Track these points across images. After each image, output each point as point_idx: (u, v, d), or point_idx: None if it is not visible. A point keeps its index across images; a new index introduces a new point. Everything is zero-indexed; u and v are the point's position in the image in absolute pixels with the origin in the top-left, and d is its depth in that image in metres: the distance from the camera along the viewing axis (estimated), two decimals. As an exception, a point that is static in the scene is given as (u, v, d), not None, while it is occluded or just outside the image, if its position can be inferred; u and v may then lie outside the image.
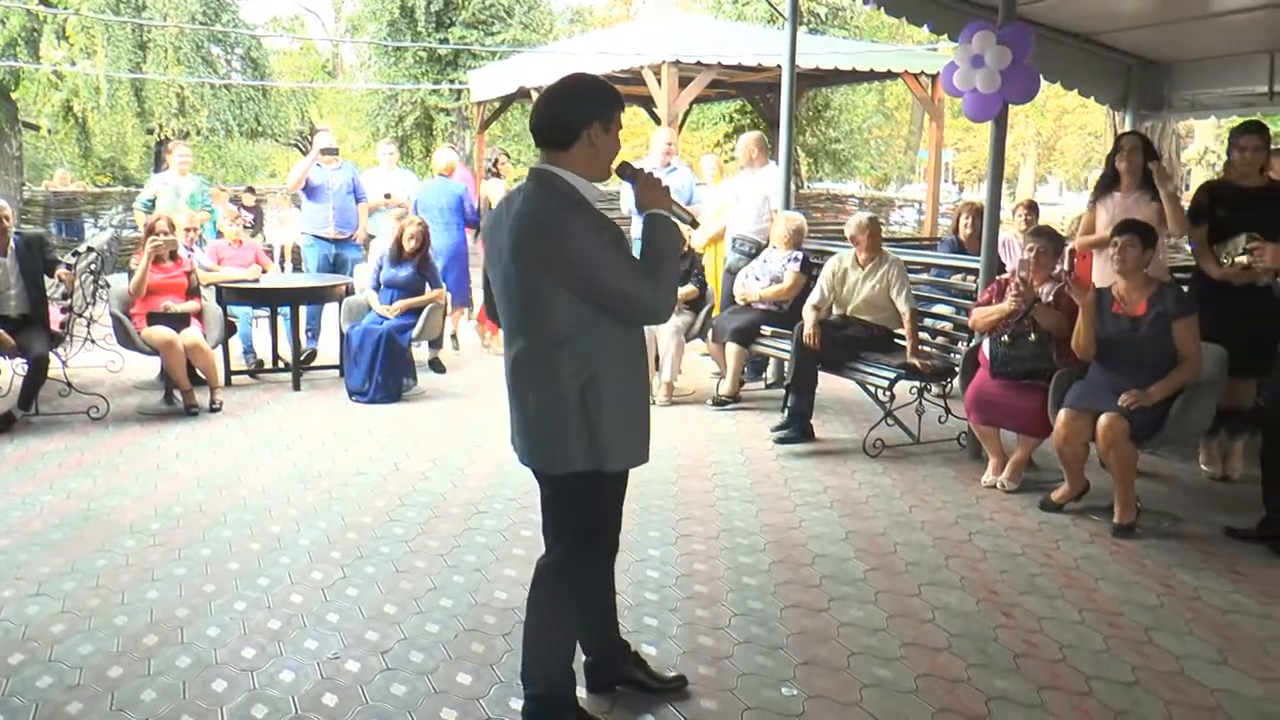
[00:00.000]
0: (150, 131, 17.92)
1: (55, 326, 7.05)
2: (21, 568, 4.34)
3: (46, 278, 6.95)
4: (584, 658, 3.30)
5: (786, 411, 6.48)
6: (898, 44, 20.47)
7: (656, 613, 3.97)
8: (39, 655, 3.57)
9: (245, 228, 10.00)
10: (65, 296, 7.30)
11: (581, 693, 3.25)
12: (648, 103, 15.11)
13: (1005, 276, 5.85)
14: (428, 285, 8.16)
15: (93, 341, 7.59)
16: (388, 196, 9.54)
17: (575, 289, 2.72)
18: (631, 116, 26.16)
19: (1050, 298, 5.52)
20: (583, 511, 3.02)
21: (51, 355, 6.84)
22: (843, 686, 3.39)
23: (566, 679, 3.08)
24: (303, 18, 25.32)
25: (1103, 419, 4.87)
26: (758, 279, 7.50)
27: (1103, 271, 5.66)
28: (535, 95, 13.46)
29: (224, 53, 19.40)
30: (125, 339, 7.13)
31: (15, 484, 5.51)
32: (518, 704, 3.24)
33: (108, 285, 7.90)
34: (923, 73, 12.24)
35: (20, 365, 6.78)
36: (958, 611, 4.01)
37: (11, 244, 6.74)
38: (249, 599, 4.07)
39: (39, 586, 4.15)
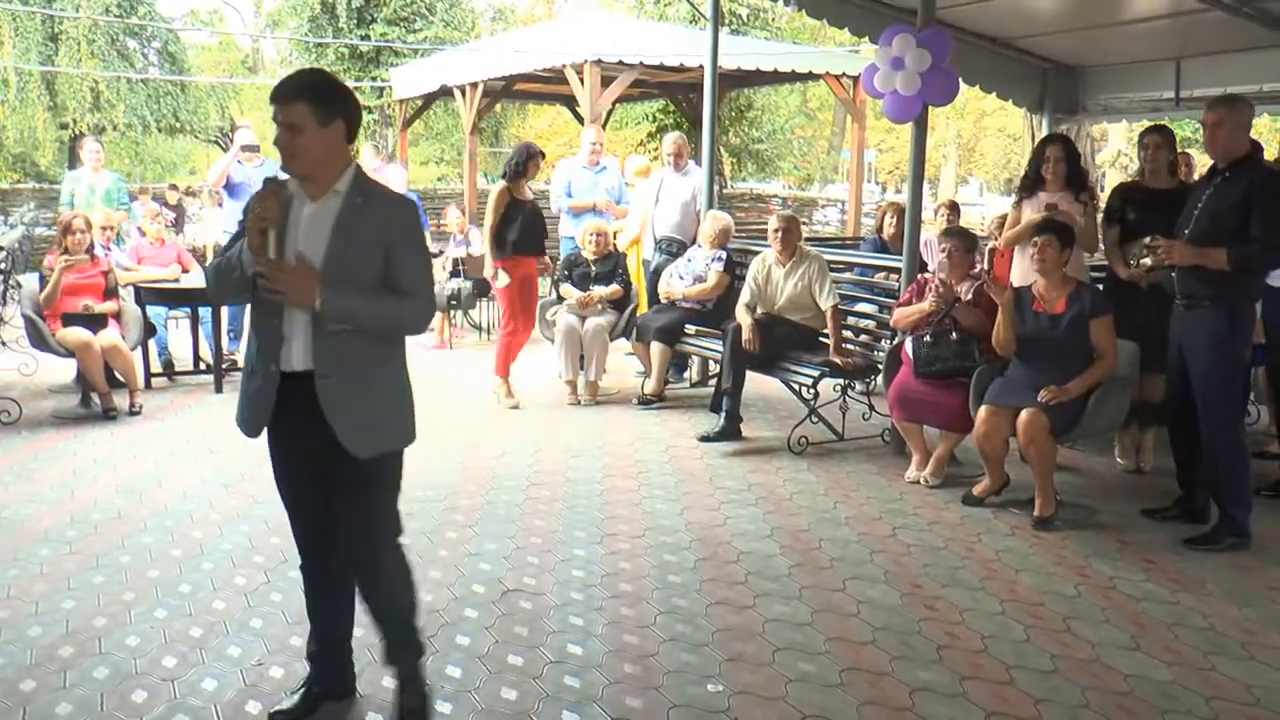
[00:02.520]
0: (64, 127, 17.43)
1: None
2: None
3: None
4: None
5: (724, 414, 6.47)
6: (819, 46, 20.70)
7: (582, 612, 3.95)
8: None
9: (167, 226, 9.78)
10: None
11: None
12: (570, 101, 15.09)
13: (926, 276, 5.95)
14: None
15: (3, 343, 7.37)
16: None
17: None
18: (555, 115, 26.16)
19: (970, 296, 5.63)
20: (385, 490, 3.19)
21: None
22: (769, 681, 3.42)
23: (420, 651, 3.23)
24: (221, 12, 24.80)
25: (1023, 414, 4.97)
26: (681, 278, 7.52)
27: (1023, 270, 5.78)
28: (457, 93, 13.45)
29: (140, 46, 18.94)
30: (39, 341, 6.91)
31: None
32: (444, 706, 3.24)
33: (19, 285, 7.67)
34: (844, 74, 12.38)
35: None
36: (882, 605, 4.06)
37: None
38: (170, 606, 3.97)
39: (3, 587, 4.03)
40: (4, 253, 7.53)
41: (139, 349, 7.43)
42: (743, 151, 21.34)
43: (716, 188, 8.50)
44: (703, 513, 5.17)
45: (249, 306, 2.93)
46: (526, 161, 7.27)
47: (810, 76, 12.94)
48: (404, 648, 3.16)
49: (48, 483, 5.45)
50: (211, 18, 23.64)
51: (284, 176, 2.90)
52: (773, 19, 21.32)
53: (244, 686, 3.35)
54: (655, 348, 7.37)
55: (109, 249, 7.81)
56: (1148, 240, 4.86)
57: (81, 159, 9.21)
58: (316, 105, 2.77)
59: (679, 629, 3.81)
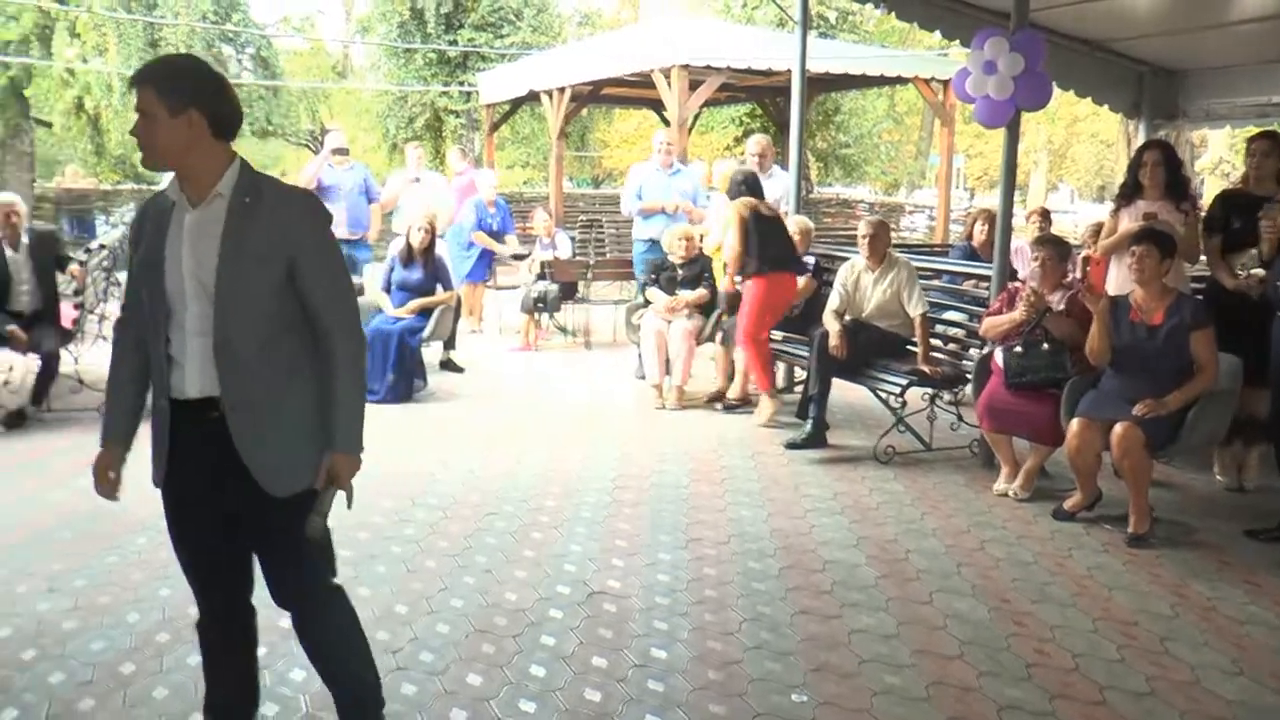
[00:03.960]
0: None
1: (67, 323, 7.05)
2: (33, 565, 4.35)
3: (59, 274, 6.97)
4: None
5: (810, 421, 6.41)
6: (908, 49, 20.45)
7: (666, 617, 3.95)
8: (51, 652, 3.58)
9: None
10: (77, 293, 7.30)
11: None
12: (657, 106, 15.11)
13: (1017, 285, 5.83)
14: (439, 287, 8.17)
15: (104, 338, 7.58)
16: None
17: None
18: (641, 119, 26.20)
19: (1062, 305, 5.50)
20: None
21: (63, 352, 6.85)
22: (853, 693, 3.38)
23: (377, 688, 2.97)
24: (313, 18, 25.31)
25: (1118, 428, 4.84)
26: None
27: (1120, 279, 5.64)
28: (544, 97, 13.54)
29: (235, 52, 19.44)
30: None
31: (27, 481, 5.52)
32: (528, 705, 3.24)
33: (119, 283, 7.90)
34: (934, 78, 12.21)
35: (33, 361, 6.80)
36: (969, 619, 3.99)
37: (24, 240, 6.76)
38: (260, 597, 4.04)
39: (50, 583, 4.16)
40: (106, 250, 7.75)
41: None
42: (829, 156, 21.17)
43: (802, 192, 8.42)
44: (788, 520, 5.13)
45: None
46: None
47: (899, 80, 12.78)
48: (362, 707, 2.91)
49: (146, 474, 5.57)
50: (303, 24, 24.07)
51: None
52: (861, 22, 21.14)
53: (398, 669, 3.44)
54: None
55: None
56: (1256, 250, 4.71)
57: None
58: (163, 92, 2.45)
59: (764, 637, 3.79)
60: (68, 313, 7.11)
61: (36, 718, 3.15)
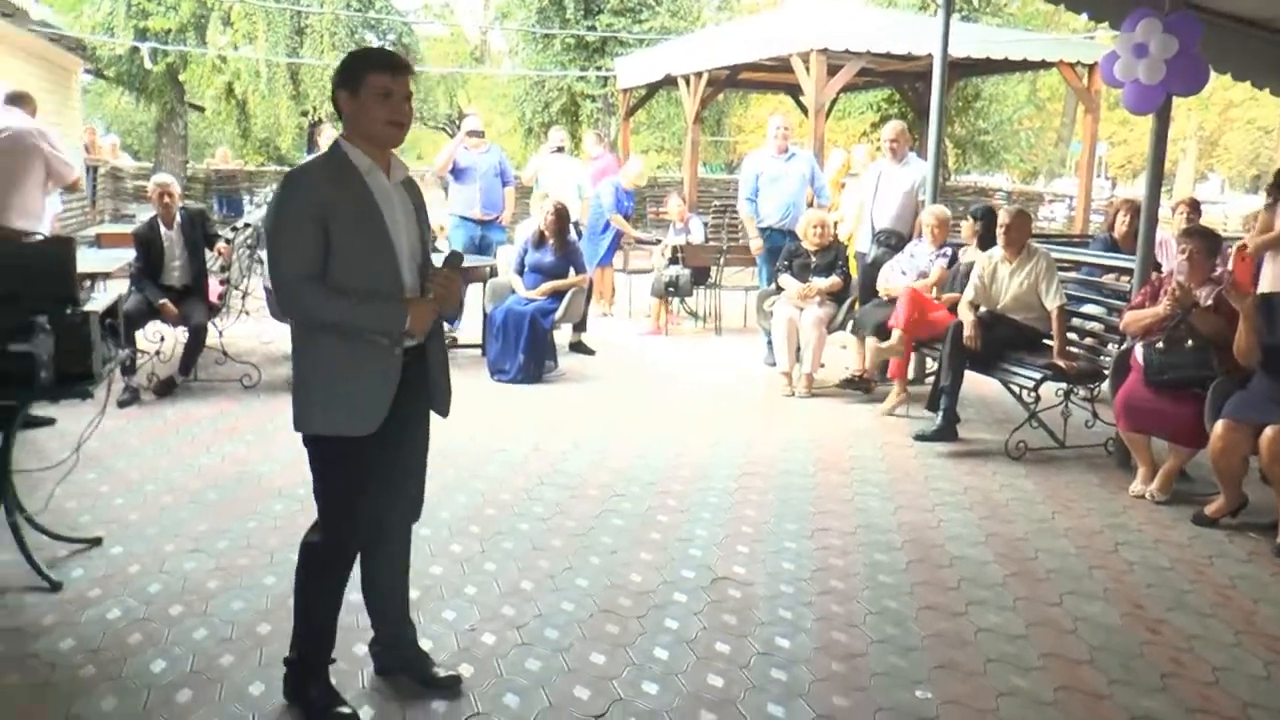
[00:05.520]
0: (304, 114, 18.59)
1: (214, 298, 7.40)
2: (181, 525, 4.60)
3: (207, 251, 7.33)
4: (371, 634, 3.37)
5: (941, 413, 6.33)
6: (1053, 32, 19.78)
7: (791, 606, 3.97)
8: (195, 609, 3.79)
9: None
10: (224, 269, 7.65)
11: (369, 671, 3.34)
12: (794, 90, 14.98)
13: (1161, 278, 5.64)
14: (571, 269, 8.29)
15: (247, 313, 7.93)
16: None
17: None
18: (778, 104, 25.98)
19: (1210, 301, 5.29)
20: (321, 481, 3.01)
21: (210, 325, 7.20)
22: (978, 693, 3.34)
23: (315, 646, 3.10)
24: (452, 4, 25.75)
25: (1268, 431, 4.66)
26: (903, 273, 7.38)
27: (1273, 276, 5.40)
28: (681, 82, 13.54)
29: (377, 38, 19.97)
30: (278, 312, 7.43)
31: (176, 446, 5.83)
32: (650, 687, 3.30)
33: (262, 260, 8.25)
34: (1079, 62, 11.80)
35: (182, 333, 7.18)
36: (1101, 624, 3.90)
37: (177, 219, 7.12)
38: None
39: (196, 544, 4.39)
40: (250, 229, 8.10)
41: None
42: (968, 143, 20.63)
43: (939, 180, 8.27)
44: (916, 513, 5.08)
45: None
46: None
47: (1043, 65, 12.39)
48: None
49: (283, 444, 5.81)
50: (443, 10, 24.54)
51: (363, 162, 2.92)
52: (1005, 4, 20.53)
53: (457, 650, 3.53)
54: (871, 343, 7.26)
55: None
56: None
57: (319, 144, 9.81)
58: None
59: (889, 631, 3.77)
60: (214, 288, 7.46)
61: (181, 669, 3.34)
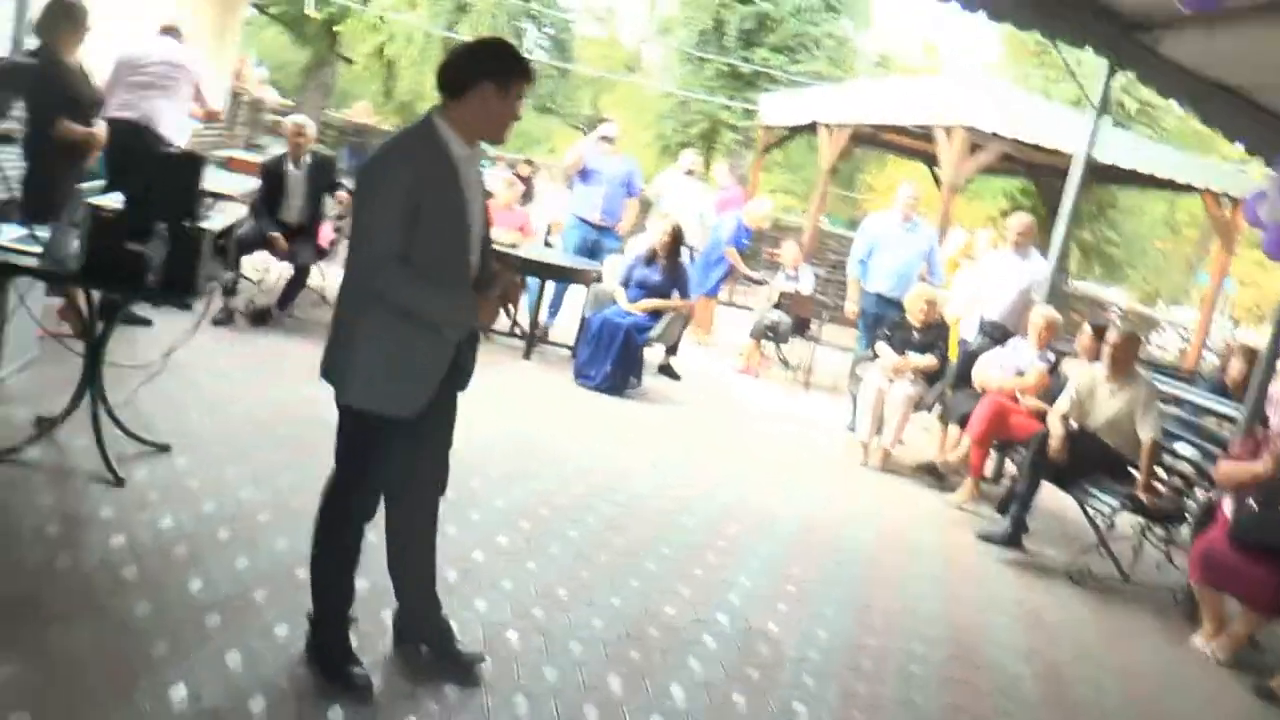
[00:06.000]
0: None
1: (324, 242, 7.55)
2: (246, 452, 4.70)
3: (328, 198, 7.51)
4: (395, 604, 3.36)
5: (1010, 519, 6.17)
6: (1205, 156, 19.31)
7: (817, 674, 3.90)
8: (242, 537, 3.86)
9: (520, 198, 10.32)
10: (339, 218, 7.81)
11: (387, 641, 3.33)
12: (931, 160, 14.84)
13: (1266, 433, 5.44)
14: (675, 292, 8.31)
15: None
16: None
17: (364, 217, 2.92)
18: (913, 170, 25.77)
19: (1315, 468, 5.09)
20: (347, 448, 3.04)
21: (315, 267, 7.36)
22: (990, 809, 3.25)
23: (327, 604, 3.12)
24: (615, 9, 26.13)
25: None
26: (1000, 368, 7.24)
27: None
28: (822, 130, 13.50)
29: (536, 29, 20.32)
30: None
31: (258, 375, 5.99)
32: (659, 721, 3.26)
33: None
34: (1225, 193, 11.51)
35: (287, 269, 7.36)
36: (1129, 769, 3.77)
37: (306, 159, 7.31)
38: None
39: (256, 473, 4.47)
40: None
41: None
42: (1092, 249, 20.25)
43: (1057, 282, 8.12)
44: (963, 612, 4.98)
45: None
46: None
47: (1187, 188, 12.12)
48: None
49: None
50: (606, 14, 24.95)
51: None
52: (1160, 116, 20.09)
53: (480, 641, 3.52)
54: (954, 431, 7.14)
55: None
56: None
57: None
58: None
59: (909, 723, 3.69)
60: (326, 233, 7.61)
61: (215, 593, 3.40)
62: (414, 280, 2.86)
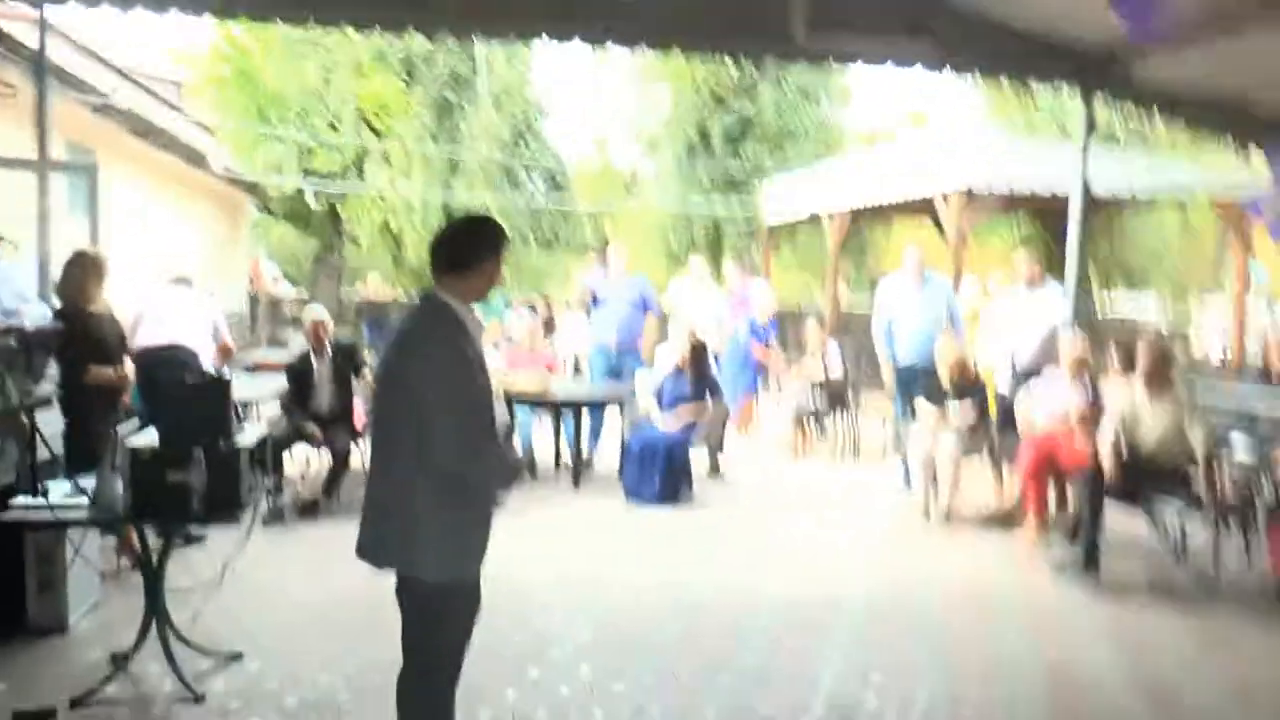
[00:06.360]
0: (455, 243, 19.57)
1: (359, 425, 7.72)
2: (315, 643, 4.77)
3: (355, 380, 7.69)
4: None
5: (1082, 547, 6.08)
6: (1205, 157, 19.29)
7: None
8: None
9: (543, 337, 10.48)
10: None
11: None
12: (935, 216, 14.95)
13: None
14: (708, 395, 8.42)
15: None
16: None
17: (409, 403, 2.99)
18: (917, 228, 25.89)
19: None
20: (424, 626, 3.15)
21: (353, 449, 7.50)
22: None
23: None
24: (606, 137, 26.82)
25: None
26: (1041, 405, 7.19)
27: None
28: (824, 218, 13.70)
29: (526, 174, 20.92)
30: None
31: (314, 566, 6.01)
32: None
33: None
34: (1231, 196, 11.47)
35: (327, 457, 7.49)
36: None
37: (328, 351, 7.52)
38: (520, 688, 4.29)
39: (328, 661, 4.52)
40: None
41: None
42: (1111, 263, 20.08)
43: (1086, 315, 8.12)
44: (1057, 651, 4.90)
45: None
46: None
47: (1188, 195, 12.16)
48: None
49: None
50: (599, 143, 25.62)
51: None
52: (1149, 133, 20.10)
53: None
54: (1008, 471, 7.09)
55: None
56: None
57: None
58: None
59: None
60: (360, 415, 7.77)
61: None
62: (476, 457, 3.04)
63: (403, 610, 3.14)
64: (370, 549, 3.14)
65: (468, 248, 3.16)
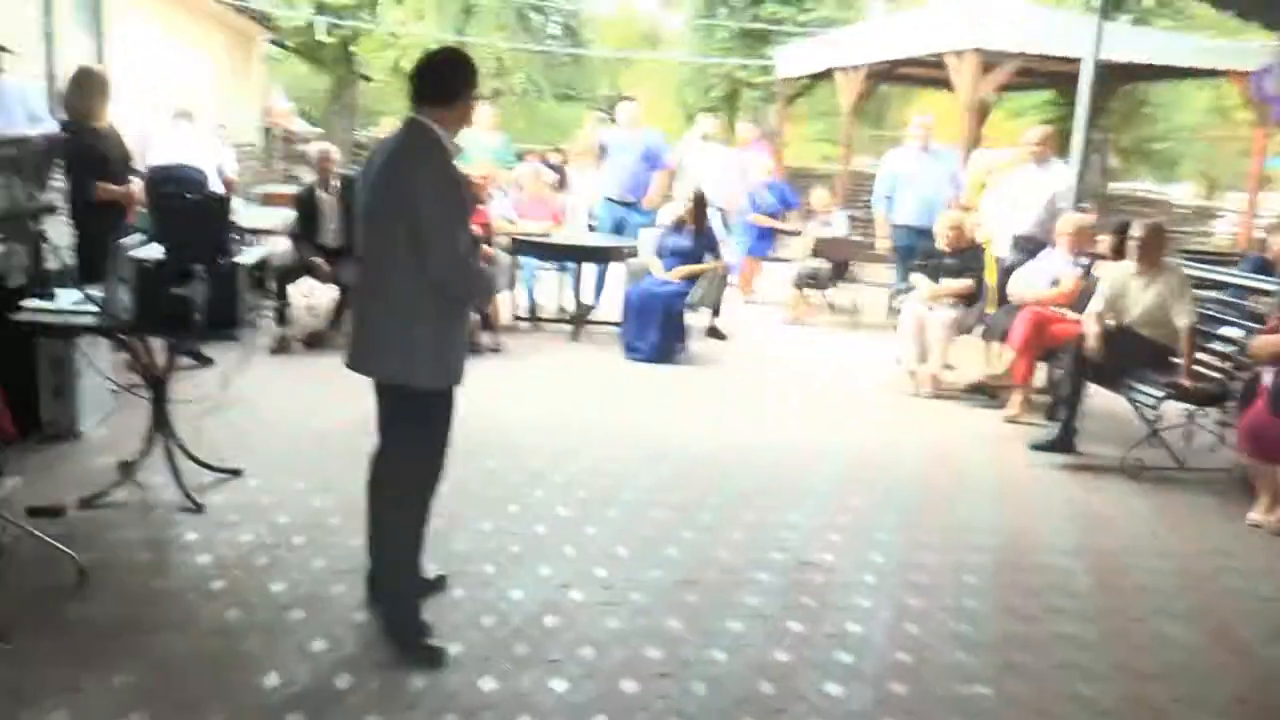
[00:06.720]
0: (469, 90, 19.29)
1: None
2: (313, 465, 4.99)
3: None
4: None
5: (1058, 425, 6.28)
6: (1237, 39, 18.88)
7: (870, 594, 4.09)
8: (317, 540, 4.18)
9: (551, 186, 10.52)
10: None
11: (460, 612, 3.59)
12: (952, 87, 14.76)
13: (1299, 304, 5.49)
14: (707, 254, 8.49)
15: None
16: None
17: (407, 215, 3.13)
18: (937, 99, 25.48)
19: (1349, 332, 5.14)
20: (414, 426, 3.38)
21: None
22: (1038, 695, 3.42)
23: (407, 583, 3.52)
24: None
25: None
26: (1035, 280, 7.30)
27: None
28: (839, 75, 13.54)
29: (543, 19, 20.50)
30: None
31: (318, 393, 6.23)
32: (718, 655, 3.51)
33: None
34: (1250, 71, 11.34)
35: (333, 290, 7.67)
36: (1180, 644, 3.90)
37: (335, 184, 7.60)
38: (497, 522, 4.52)
39: (324, 483, 4.74)
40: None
41: (507, 293, 8.30)
42: (1134, 152, 19.89)
43: (1100, 188, 8.15)
44: (1016, 519, 5.12)
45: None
46: None
47: (1212, 74, 11.96)
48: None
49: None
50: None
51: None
52: (1185, 6, 19.64)
53: (545, 603, 3.79)
54: (997, 348, 7.23)
55: (491, 200, 8.62)
56: None
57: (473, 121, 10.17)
58: None
59: (961, 628, 3.87)
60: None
61: (297, 592, 3.73)
62: (467, 270, 3.27)
63: (393, 419, 3.40)
64: (364, 360, 3.34)
65: (450, 81, 3.29)
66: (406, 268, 3.17)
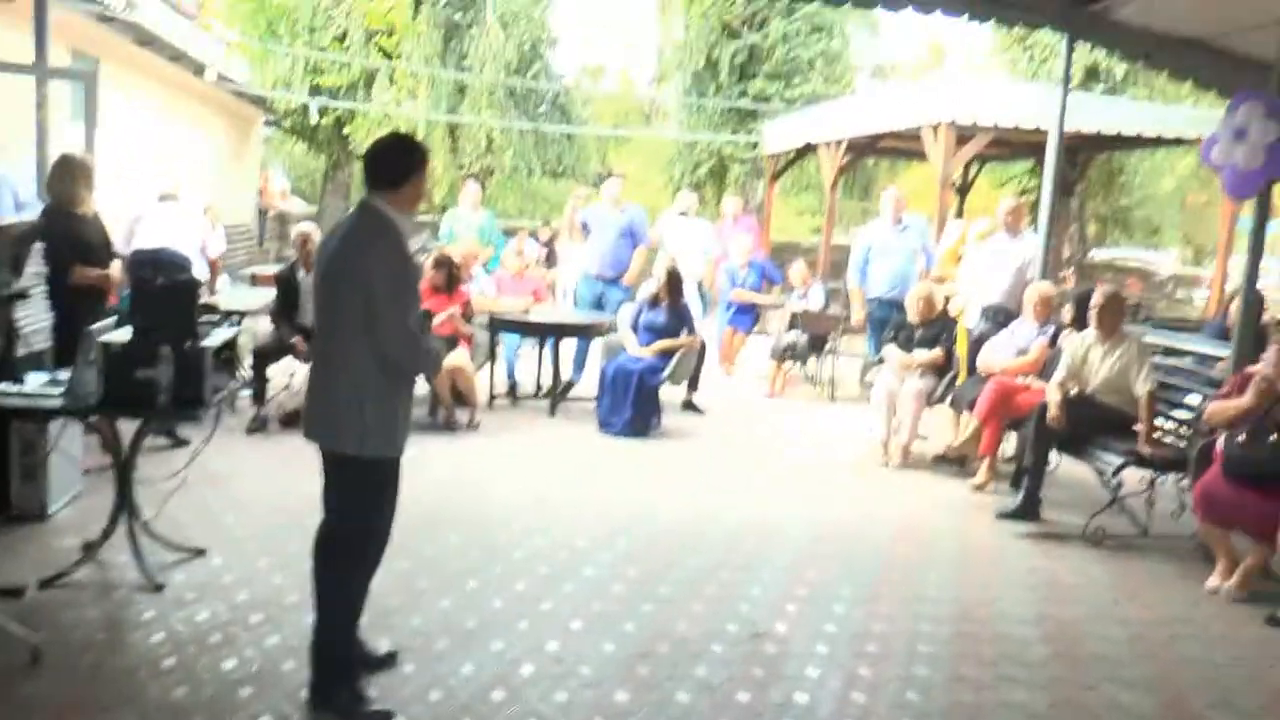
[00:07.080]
0: (460, 168, 19.57)
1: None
2: (277, 544, 5.01)
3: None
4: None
5: (1023, 492, 6.36)
6: (1203, 107, 19.21)
7: (821, 665, 4.13)
8: (273, 617, 4.25)
9: (538, 262, 10.69)
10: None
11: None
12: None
13: (1251, 370, 5.58)
14: (682, 329, 8.60)
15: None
16: None
17: (361, 297, 3.33)
18: (919, 171, 25.83)
19: (1299, 396, 5.22)
20: (359, 496, 3.55)
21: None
22: (982, 762, 3.45)
23: (343, 654, 3.62)
24: (616, 68, 26.75)
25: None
26: (1003, 350, 7.40)
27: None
28: (821, 149, 13.81)
29: (534, 99, 20.90)
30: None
31: (290, 472, 6.17)
32: (663, 728, 3.52)
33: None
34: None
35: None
36: (1133, 712, 3.93)
37: (314, 264, 7.72)
38: (455, 598, 4.56)
39: (287, 561, 4.75)
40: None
41: (483, 370, 8.37)
42: (1111, 219, 20.12)
43: (1076, 254, 8.30)
44: (976, 589, 5.16)
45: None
46: None
47: (1179, 142, 12.22)
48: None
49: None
50: (595, 73, 25.59)
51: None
52: (1153, 78, 19.99)
53: (495, 675, 3.84)
54: (966, 418, 7.30)
55: (470, 278, 8.76)
56: None
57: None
58: None
59: (909, 697, 3.90)
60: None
61: (247, 669, 3.78)
62: (415, 345, 3.46)
63: (340, 487, 3.54)
64: (320, 430, 3.50)
65: (398, 165, 3.49)
66: (359, 342, 3.36)
